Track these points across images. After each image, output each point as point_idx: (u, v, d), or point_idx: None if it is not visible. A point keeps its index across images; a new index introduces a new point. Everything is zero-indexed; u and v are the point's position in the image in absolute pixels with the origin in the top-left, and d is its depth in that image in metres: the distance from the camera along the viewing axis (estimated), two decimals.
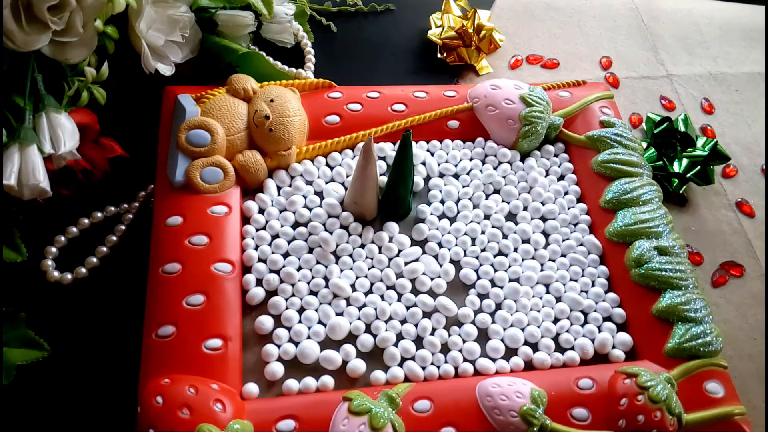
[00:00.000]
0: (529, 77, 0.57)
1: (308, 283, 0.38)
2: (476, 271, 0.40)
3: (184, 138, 0.40)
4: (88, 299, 0.40)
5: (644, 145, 0.53)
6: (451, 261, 0.40)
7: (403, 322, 0.38)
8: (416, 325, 0.38)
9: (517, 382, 0.35)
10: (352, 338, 0.37)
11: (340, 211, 0.41)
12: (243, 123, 0.41)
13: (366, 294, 0.38)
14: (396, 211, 0.41)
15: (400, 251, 0.40)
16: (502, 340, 0.38)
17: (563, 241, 0.43)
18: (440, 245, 0.41)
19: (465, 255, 0.41)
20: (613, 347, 0.39)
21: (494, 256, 0.41)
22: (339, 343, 0.36)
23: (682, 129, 0.54)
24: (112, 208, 0.43)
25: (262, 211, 0.40)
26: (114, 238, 0.42)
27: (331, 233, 0.40)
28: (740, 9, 0.67)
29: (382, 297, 0.38)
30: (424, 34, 0.57)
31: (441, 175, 0.44)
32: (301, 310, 0.37)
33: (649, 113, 0.56)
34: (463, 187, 0.44)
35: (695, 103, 0.59)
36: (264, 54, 0.49)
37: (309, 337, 0.36)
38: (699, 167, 0.51)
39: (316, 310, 0.37)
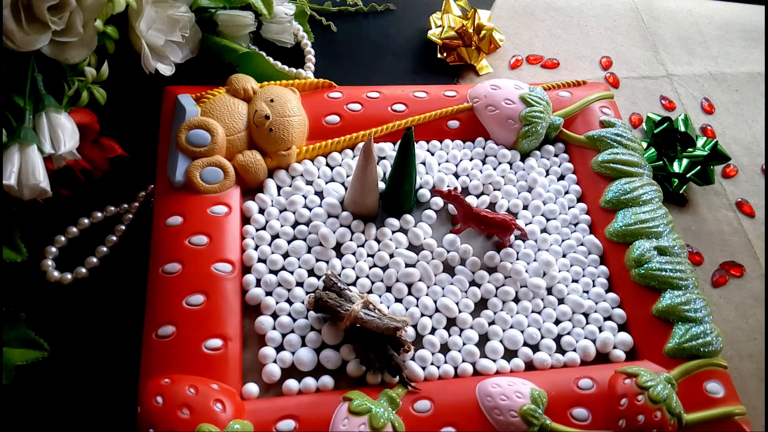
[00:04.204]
0: (529, 77, 0.57)
1: (302, 284, 0.38)
2: (476, 271, 0.40)
3: (184, 138, 0.40)
4: (88, 299, 0.40)
5: (644, 145, 0.53)
6: (452, 261, 0.40)
7: None
8: (416, 326, 0.38)
9: (517, 382, 0.35)
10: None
11: (340, 210, 0.41)
12: (243, 123, 0.41)
13: (367, 293, 0.38)
14: (401, 207, 0.41)
15: (400, 252, 0.40)
16: (501, 341, 0.38)
17: (563, 241, 0.43)
18: (441, 245, 0.41)
19: (465, 255, 0.41)
20: (614, 347, 0.39)
21: (495, 257, 0.41)
22: (339, 344, 0.36)
23: (682, 129, 0.54)
24: (112, 208, 0.43)
25: (262, 211, 0.40)
26: (114, 238, 0.42)
27: (331, 233, 0.40)
28: (740, 9, 0.67)
29: (380, 297, 0.38)
30: (424, 34, 0.57)
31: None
32: (299, 313, 0.37)
33: (649, 113, 0.56)
34: (463, 186, 0.44)
35: (695, 103, 0.59)
36: (264, 54, 0.49)
37: (304, 345, 0.36)
38: (699, 167, 0.51)
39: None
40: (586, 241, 0.43)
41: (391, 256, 0.40)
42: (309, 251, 0.39)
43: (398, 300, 0.39)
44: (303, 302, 0.37)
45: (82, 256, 0.41)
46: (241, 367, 0.35)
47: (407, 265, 0.39)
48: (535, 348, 0.38)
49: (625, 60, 0.60)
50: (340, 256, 0.39)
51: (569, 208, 0.44)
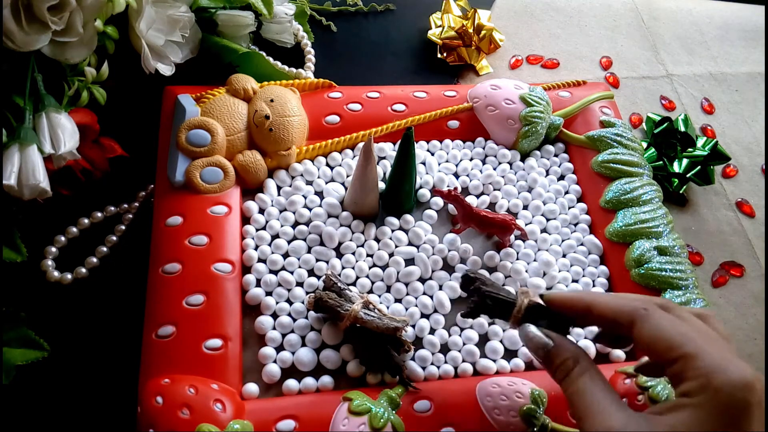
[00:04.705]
0: (529, 77, 0.57)
1: (302, 284, 0.38)
2: (476, 271, 0.40)
3: (184, 138, 0.40)
4: (88, 299, 0.40)
5: (644, 145, 0.53)
6: (452, 260, 0.40)
7: None
8: (414, 326, 0.37)
9: (517, 382, 0.35)
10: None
11: (340, 211, 0.41)
12: (243, 123, 0.41)
13: (367, 293, 0.38)
14: (401, 207, 0.41)
15: (399, 251, 0.40)
16: (501, 341, 0.38)
17: (563, 241, 0.43)
18: (441, 245, 0.41)
19: (466, 255, 0.41)
20: None
21: (495, 257, 0.41)
22: (339, 344, 0.36)
23: (682, 129, 0.54)
24: (112, 208, 0.43)
25: (262, 211, 0.40)
26: (114, 238, 0.42)
27: (333, 232, 0.40)
28: (740, 9, 0.67)
29: (380, 297, 0.38)
30: (424, 34, 0.57)
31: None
32: (299, 313, 0.37)
33: (649, 113, 0.56)
34: (463, 186, 0.44)
35: (695, 103, 0.59)
36: (264, 54, 0.49)
37: (304, 345, 0.36)
38: (699, 167, 0.51)
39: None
40: (586, 241, 0.43)
41: (391, 255, 0.40)
42: (309, 251, 0.39)
43: (398, 300, 0.39)
44: (303, 302, 0.37)
45: (82, 256, 0.41)
46: (241, 367, 0.35)
47: (407, 265, 0.39)
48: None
49: (625, 60, 0.60)
50: (340, 256, 0.39)
51: (569, 208, 0.44)
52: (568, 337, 0.31)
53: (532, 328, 0.30)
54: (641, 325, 0.27)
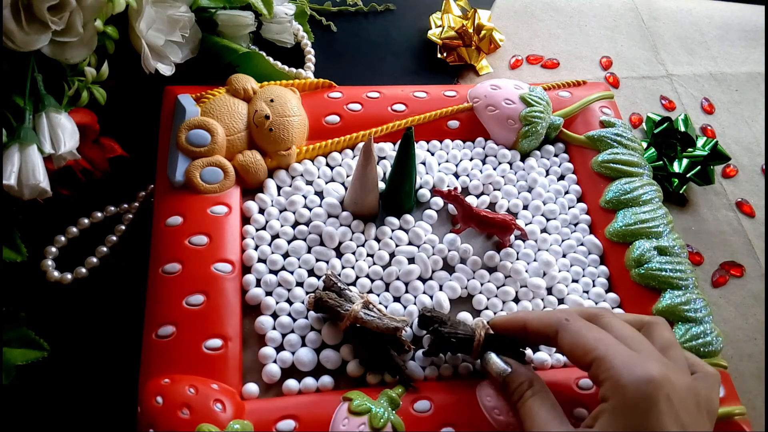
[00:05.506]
0: (529, 77, 0.57)
1: (302, 284, 0.38)
2: (476, 271, 0.40)
3: (184, 138, 0.40)
4: (88, 299, 0.40)
5: (644, 145, 0.53)
6: (451, 260, 0.40)
7: None
8: (412, 325, 0.37)
9: None
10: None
11: (340, 211, 0.41)
12: (243, 123, 0.41)
13: (367, 293, 0.38)
14: (402, 207, 0.41)
15: (400, 251, 0.40)
16: None
17: (563, 241, 0.43)
18: (441, 245, 0.41)
19: (465, 255, 0.41)
20: None
21: (495, 257, 0.41)
22: (339, 344, 0.36)
23: (682, 129, 0.54)
24: (112, 208, 0.43)
25: (262, 211, 0.40)
26: (114, 238, 0.42)
27: (334, 232, 0.40)
28: (740, 9, 0.67)
29: (379, 297, 0.38)
30: (424, 34, 0.57)
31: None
32: (299, 313, 0.37)
33: (649, 113, 0.56)
34: (463, 186, 0.44)
35: (695, 103, 0.59)
36: (264, 54, 0.49)
37: (304, 345, 0.36)
38: (699, 167, 0.51)
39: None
40: (586, 241, 0.43)
41: (392, 255, 0.40)
42: (309, 251, 0.39)
43: (396, 299, 0.39)
44: (303, 302, 0.37)
45: (82, 256, 0.41)
46: (241, 367, 0.35)
47: (407, 265, 0.39)
48: (535, 348, 0.38)
49: (625, 60, 0.60)
50: (339, 255, 0.39)
51: (569, 208, 0.44)
52: (526, 353, 0.35)
53: (493, 356, 0.34)
54: (562, 335, 0.30)
